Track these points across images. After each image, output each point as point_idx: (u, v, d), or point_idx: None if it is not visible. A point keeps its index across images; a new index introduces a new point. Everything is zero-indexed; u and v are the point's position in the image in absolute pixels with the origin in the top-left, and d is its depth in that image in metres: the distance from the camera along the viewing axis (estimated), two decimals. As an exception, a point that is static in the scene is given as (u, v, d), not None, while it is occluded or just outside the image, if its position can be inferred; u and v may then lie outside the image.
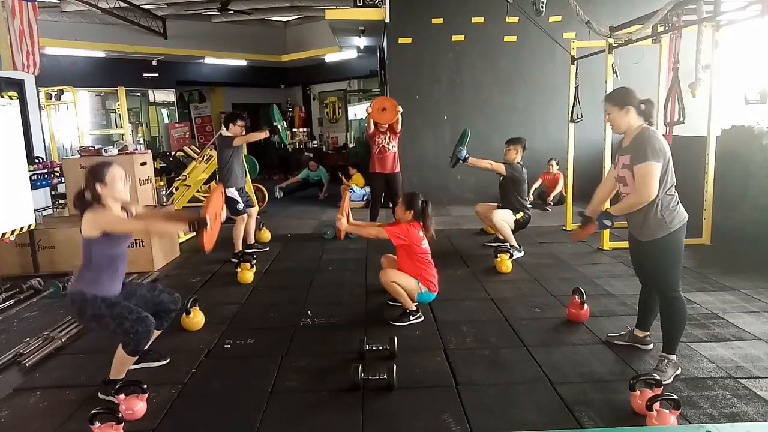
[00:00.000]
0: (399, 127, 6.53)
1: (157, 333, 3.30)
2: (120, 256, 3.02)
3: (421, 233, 3.92)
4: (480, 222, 6.76)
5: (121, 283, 3.07)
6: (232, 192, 5.78)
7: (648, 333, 3.38)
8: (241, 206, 5.82)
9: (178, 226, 2.96)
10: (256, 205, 8.20)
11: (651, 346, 3.34)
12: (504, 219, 5.71)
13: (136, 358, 3.02)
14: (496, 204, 5.96)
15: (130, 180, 3.07)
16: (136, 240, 5.43)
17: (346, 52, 13.29)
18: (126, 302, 2.98)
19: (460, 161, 5.72)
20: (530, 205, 6.13)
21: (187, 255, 6.25)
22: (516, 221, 5.80)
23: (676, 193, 3.01)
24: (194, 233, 2.89)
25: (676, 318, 3.01)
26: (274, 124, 6.10)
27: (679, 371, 3.03)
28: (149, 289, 3.26)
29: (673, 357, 3.04)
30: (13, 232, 4.80)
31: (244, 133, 5.90)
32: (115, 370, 2.97)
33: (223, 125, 5.99)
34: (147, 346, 3.28)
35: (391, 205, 6.79)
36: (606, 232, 5.88)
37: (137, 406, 2.73)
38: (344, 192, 4.40)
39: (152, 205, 6.14)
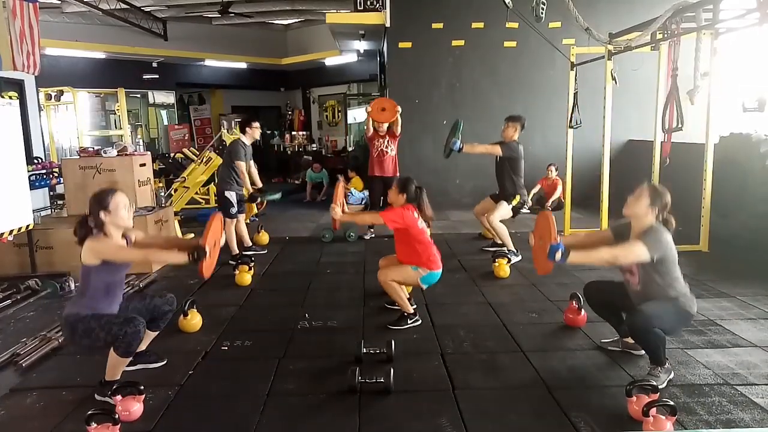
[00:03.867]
0: (398, 129, 6.55)
1: (153, 335, 3.30)
2: (118, 283, 3.06)
3: (416, 215, 3.90)
4: (478, 226, 6.77)
5: (118, 306, 3.10)
6: (231, 195, 5.78)
7: None
8: (234, 210, 5.83)
9: (177, 257, 2.98)
10: (254, 209, 8.25)
11: (643, 351, 3.35)
12: (502, 217, 5.69)
13: (129, 359, 3.01)
14: (489, 196, 5.93)
15: (134, 207, 3.08)
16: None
17: (346, 55, 13.32)
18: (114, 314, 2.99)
19: (455, 151, 5.63)
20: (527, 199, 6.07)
21: (185, 257, 6.23)
22: (513, 208, 5.76)
23: (687, 286, 3.06)
24: (194, 263, 2.91)
25: (651, 344, 2.97)
26: (268, 197, 6.46)
27: (672, 376, 3.03)
28: (140, 300, 3.26)
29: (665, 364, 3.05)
30: (11, 232, 4.80)
31: (258, 136, 6.01)
32: (109, 372, 2.97)
33: (239, 131, 6.00)
34: (143, 348, 3.30)
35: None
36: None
37: (134, 408, 2.73)
38: (338, 183, 4.41)
39: (151, 206, 6.14)
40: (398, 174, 6.63)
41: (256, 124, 5.96)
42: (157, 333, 3.33)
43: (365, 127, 6.85)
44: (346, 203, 9.26)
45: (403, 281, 3.94)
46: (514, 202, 5.74)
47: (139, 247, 3.17)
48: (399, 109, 6.40)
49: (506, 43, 8.94)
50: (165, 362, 3.35)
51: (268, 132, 14.90)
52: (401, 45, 9.06)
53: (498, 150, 5.69)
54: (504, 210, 5.74)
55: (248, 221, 7.62)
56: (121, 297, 3.14)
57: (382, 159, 6.61)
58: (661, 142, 5.92)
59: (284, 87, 16.61)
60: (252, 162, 6.01)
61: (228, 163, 5.92)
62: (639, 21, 5.53)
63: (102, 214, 2.92)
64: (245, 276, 5.04)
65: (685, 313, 3.02)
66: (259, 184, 6.06)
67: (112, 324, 2.87)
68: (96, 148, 6.70)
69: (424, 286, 4.01)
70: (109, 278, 2.97)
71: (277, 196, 6.77)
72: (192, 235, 7.17)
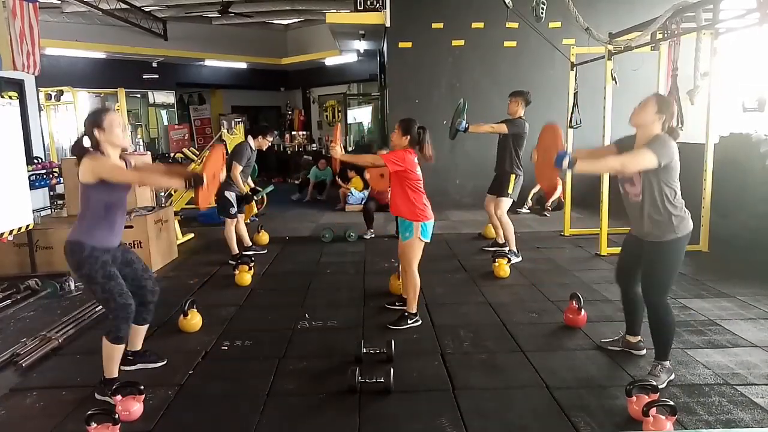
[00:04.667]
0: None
1: (142, 329, 3.27)
2: (117, 204, 3.00)
3: (416, 159, 3.87)
4: (478, 226, 6.78)
5: (119, 237, 3.05)
6: (231, 195, 5.79)
7: (639, 338, 3.39)
8: (233, 210, 5.83)
9: (173, 181, 2.96)
10: (254, 208, 8.25)
11: (644, 351, 3.35)
12: (507, 206, 5.68)
13: (121, 347, 2.99)
14: (487, 193, 5.94)
15: (129, 127, 3.06)
16: (134, 241, 5.43)
17: (346, 55, 13.32)
18: (120, 280, 2.96)
19: (460, 131, 5.53)
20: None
21: (186, 256, 6.25)
22: (511, 195, 5.72)
23: (683, 201, 2.99)
24: (191, 189, 2.89)
25: (662, 326, 3.00)
26: (259, 195, 6.49)
27: (672, 376, 3.04)
28: (143, 269, 3.22)
29: (667, 363, 3.05)
30: (11, 231, 4.80)
31: (265, 147, 6.07)
32: (106, 366, 2.96)
33: (249, 135, 6.00)
34: (143, 348, 3.30)
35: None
36: (604, 238, 5.90)
37: (134, 407, 2.73)
38: (336, 125, 4.39)
39: (151, 206, 6.13)
40: None
41: (271, 138, 6.00)
42: (145, 327, 3.29)
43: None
44: (346, 203, 9.34)
45: (416, 253, 3.89)
46: (510, 189, 5.68)
47: (137, 169, 3.15)
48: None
49: (506, 43, 8.94)
50: (165, 362, 3.35)
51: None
52: (401, 45, 9.06)
53: (504, 128, 5.63)
54: (505, 202, 5.73)
55: (248, 221, 7.64)
56: (123, 225, 3.09)
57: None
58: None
59: (284, 87, 16.60)
60: (253, 165, 6.03)
61: (228, 163, 5.91)
62: (639, 21, 5.52)
63: (96, 132, 2.89)
64: (245, 276, 5.04)
65: (682, 240, 2.95)
66: (244, 190, 5.96)
67: (113, 297, 2.88)
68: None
69: (427, 239, 3.92)
70: (107, 197, 2.92)
71: (271, 187, 7.04)
72: (192, 235, 7.19)
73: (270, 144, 6.06)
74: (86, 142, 2.92)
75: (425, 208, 3.89)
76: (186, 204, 8.01)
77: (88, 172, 2.85)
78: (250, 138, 5.94)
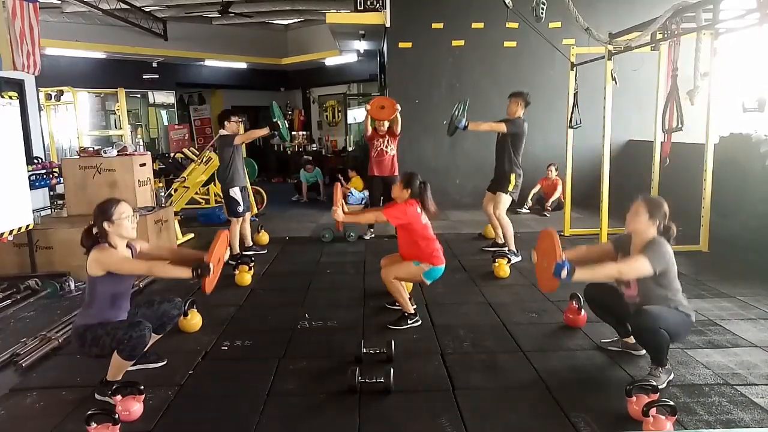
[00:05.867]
0: (398, 128, 6.54)
1: (157, 337, 3.31)
2: (123, 294, 3.08)
3: (419, 210, 3.90)
4: (478, 226, 6.77)
5: (126, 314, 3.12)
6: (235, 192, 5.78)
7: None
8: (241, 208, 5.82)
9: (181, 272, 3.01)
10: (254, 209, 8.25)
11: (644, 351, 3.34)
12: (506, 205, 5.68)
13: (133, 362, 3.03)
14: (486, 191, 5.94)
15: (137, 217, 3.11)
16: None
17: (346, 55, 13.32)
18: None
19: (459, 129, 5.53)
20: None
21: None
22: (511, 193, 5.72)
23: (686, 300, 3.08)
24: (197, 278, 2.97)
25: (657, 346, 2.98)
26: (274, 120, 5.97)
27: (672, 377, 3.03)
28: (148, 306, 3.28)
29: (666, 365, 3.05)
30: (11, 231, 4.80)
31: (241, 129, 5.90)
32: (111, 373, 2.98)
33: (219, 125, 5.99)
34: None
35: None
36: (604, 238, 5.90)
37: (134, 407, 2.73)
38: (336, 185, 4.42)
39: (151, 206, 6.13)
40: (396, 173, 6.62)
41: (236, 119, 5.90)
42: (160, 336, 3.34)
43: (364, 127, 6.83)
44: (346, 203, 9.34)
45: (407, 278, 3.93)
46: (510, 187, 5.69)
47: (144, 258, 3.20)
48: (398, 107, 6.39)
49: (506, 43, 8.94)
50: (165, 362, 3.36)
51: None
52: (401, 45, 9.06)
53: (503, 127, 5.64)
54: (505, 200, 5.73)
55: (264, 213, 7.61)
56: (129, 305, 3.16)
57: (382, 158, 6.61)
58: (661, 142, 5.91)
59: (284, 87, 16.60)
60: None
61: (222, 159, 5.87)
62: (639, 21, 5.52)
63: (106, 225, 2.95)
64: (245, 276, 5.04)
65: (687, 318, 3.03)
66: (264, 132, 6.02)
67: (117, 329, 2.90)
68: (96, 148, 6.70)
69: (428, 282, 4.00)
70: (114, 289, 3.00)
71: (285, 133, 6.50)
72: (192, 235, 7.18)
73: (239, 122, 5.96)
74: (95, 231, 2.97)
75: (437, 252, 3.94)
76: (186, 204, 8.01)
77: (95, 264, 2.91)
78: (221, 131, 5.89)
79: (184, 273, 2.98)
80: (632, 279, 3.07)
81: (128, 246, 3.11)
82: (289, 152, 14.46)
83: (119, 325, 2.93)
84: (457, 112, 5.51)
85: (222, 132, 5.87)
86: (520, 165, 5.73)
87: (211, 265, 3.01)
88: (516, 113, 5.66)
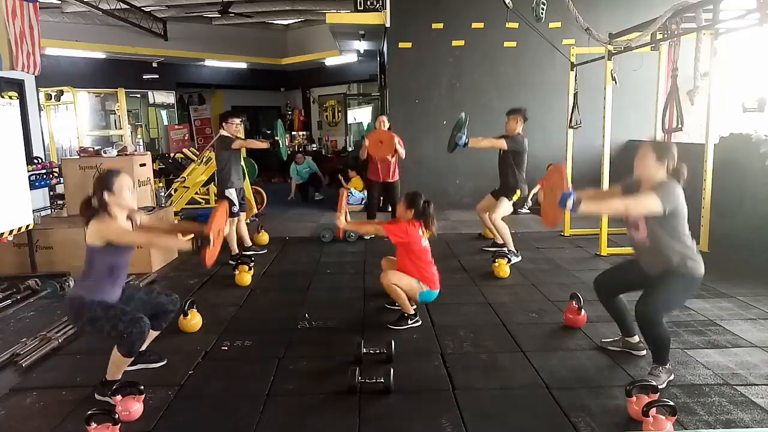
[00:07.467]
0: (402, 155, 6.59)
1: (154, 334, 3.30)
2: (122, 265, 3.07)
3: (421, 231, 3.94)
4: (478, 227, 6.77)
5: (121, 289, 3.10)
6: (231, 193, 5.78)
7: (638, 338, 3.38)
8: (236, 209, 5.82)
9: (181, 243, 3.02)
10: (254, 208, 8.25)
11: (644, 351, 3.34)
12: (504, 214, 5.70)
13: (132, 359, 3.02)
14: (489, 193, 5.95)
15: (137, 188, 3.10)
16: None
17: (346, 55, 13.32)
18: (121, 305, 3.00)
19: (459, 146, 5.56)
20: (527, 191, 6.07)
21: (185, 257, 6.23)
22: (513, 204, 5.80)
23: (695, 243, 3.03)
24: (197, 250, 2.95)
25: (655, 338, 2.98)
26: (276, 138, 6.13)
27: (672, 377, 3.03)
28: (147, 292, 3.28)
29: (666, 364, 3.05)
30: (11, 231, 4.80)
31: (241, 131, 5.93)
32: (111, 371, 2.97)
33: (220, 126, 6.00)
34: (144, 348, 3.30)
35: (390, 210, 6.80)
36: (604, 238, 5.90)
37: (134, 407, 2.73)
38: (341, 191, 4.43)
39: (151, 206, 6.13)
40: (397, 178, 6.65)
41: (235, 121, 5.92)
42: (158, 332, 3.33)
43: (360, 152, 6.80)
44: (346, 203, 9.33)
45: (405, 290, 3.94)
46: (515, 198, 5.75)
47: (144, 231, 3.19)
48: (397, 139, 6.43)
49: (506, 43, 8.93)
50: (165, 362, 3.35)
51: (268, 132, 14.92)
52: (401, 45, 9.06)
53: (503, 144, 5.69)
54: (505, 207, 5.75)
55: (248, 221, 7.63)
56: (124, 281, 3.13)
57: (383, 164, 6.65)
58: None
59: (284, 87, 16.61)
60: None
61: (219, 159, 5.88)
62: (639, 21, 5.52)
63: (106, 195, 2.94)
64: (245, 276, 5.04)
65: (693, 280, 2.98)
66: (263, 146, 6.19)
67: (118, 320, 2.88)
68: (96, 148, 6.70)
69: (420, 301, 4.04)
70: (112, 260, 2.98)
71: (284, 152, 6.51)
72: (192, 235, 7.17)
73: (239, 125, 6.01)
74: (94, 203, 2.96)
75: (432, 277, 3.99)
76: (186, 204, 8.01)
77: (95, 235, 2.89)
78: (222, 131, 5.90)
79: (184, 244, 2.99)
80: (640, 218, 2.97)
81: (128, 218, 3.10)
82: (289, 152, 14.45)
83: (120, 315, 2.90)
84: (457, 129, 5.58)
85: (222, 132, 5.88)
86: (524, 180, 5.83)
87: (211, 236, 3.00)
88: (515, 130, 5.74)
